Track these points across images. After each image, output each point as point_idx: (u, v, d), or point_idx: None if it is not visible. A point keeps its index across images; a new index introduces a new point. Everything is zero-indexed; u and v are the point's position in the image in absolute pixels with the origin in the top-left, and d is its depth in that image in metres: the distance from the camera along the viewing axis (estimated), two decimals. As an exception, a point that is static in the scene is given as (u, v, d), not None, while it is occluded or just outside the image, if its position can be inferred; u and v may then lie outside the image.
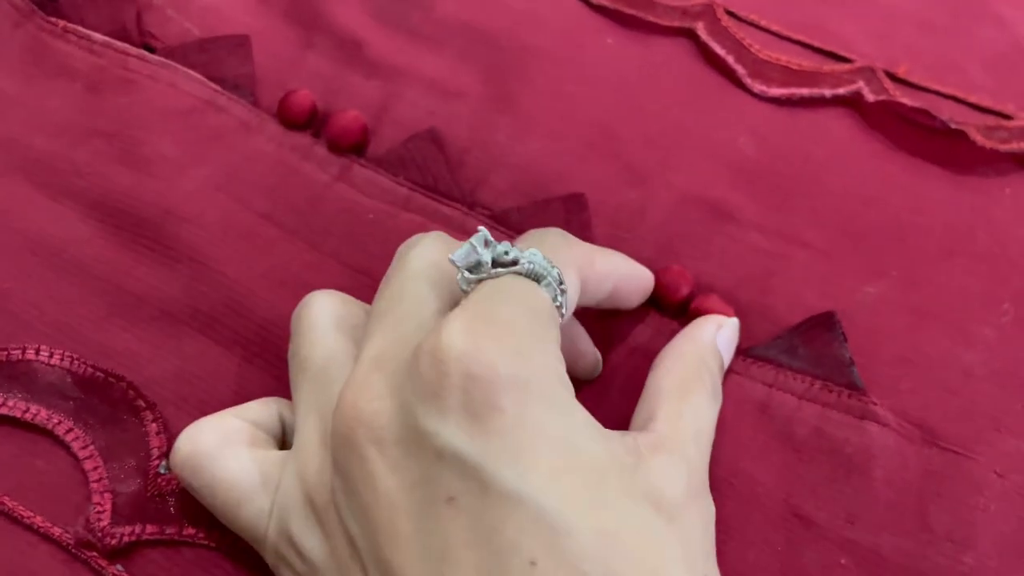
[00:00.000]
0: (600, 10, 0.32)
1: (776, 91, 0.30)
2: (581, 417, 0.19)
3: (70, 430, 0.24)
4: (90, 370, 0.25)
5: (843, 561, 0.22)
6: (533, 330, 0.19)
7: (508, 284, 0.20)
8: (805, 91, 0.30)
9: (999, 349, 0.26)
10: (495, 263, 0.20)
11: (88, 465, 0.23)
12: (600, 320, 0.26)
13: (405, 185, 0.28)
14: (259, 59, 0.31)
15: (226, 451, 0.21)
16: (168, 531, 0.22)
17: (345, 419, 0.19)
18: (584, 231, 0.28)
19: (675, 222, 0.28)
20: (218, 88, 0.30)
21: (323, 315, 0.22)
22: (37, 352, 0.25)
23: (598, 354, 0.25)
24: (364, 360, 0.20)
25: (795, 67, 0.31)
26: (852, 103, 0.30)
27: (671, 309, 0.26)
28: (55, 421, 0.24)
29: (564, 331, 0.21)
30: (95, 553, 0.22)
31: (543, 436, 0.18)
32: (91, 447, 0.23)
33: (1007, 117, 0.30)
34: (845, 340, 0.25)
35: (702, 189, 0.29)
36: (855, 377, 0.25)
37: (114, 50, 0.30)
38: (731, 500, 0.23)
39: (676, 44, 0.32)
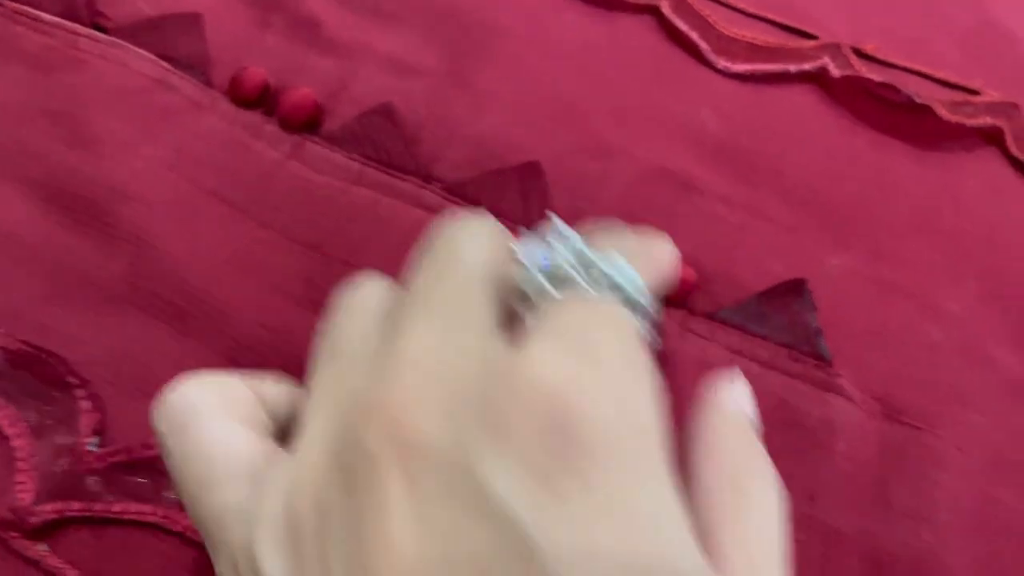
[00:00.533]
0: (564, -12, 0.32)
1: (741, 67, 0.30)
2: (670, 497, 0.15)
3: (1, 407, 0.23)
4: (22, 347, 0.24)
5: (802, 537, 0.22)
6: (638, 375, 0.15)
7: (606, 311, 0.16)
8: (770, 67, 0.30)
9: (964, 324, 0.25)
10: (587, 272, 0.16)
11: (16, 443, 0.22)
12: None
13: (358, 160, 0.27)
14: (214, 38, 0.30)
15: (223, 422, 0.17)
16: (96, 507, 0.21)
17: (374, 427, 0.14)
18: (541, 200, 0.27)
19: (638, 193, 0.27)
20: (169, 67, 0.29)
21: (370, 300, 0.18)
22: (-31, 330, 0.24)
23: None
24: (405, 355, 0.15)
25: (760, 43, 0.30)
26: (817, 79, 0.30)
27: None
28: (-16, 399, 0.23)
29: None
30: (17, 533, 0.21)
31: (624, 517, 0.14)
32: (22, 423, 0.22)
33: (975, 92, 0.30)
34: (815, 309, 0.25)
35: (666, 162, 0.28)
36: (823, 348, 0.24)
37: (64, 30, 0.29)
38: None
39: (641, 21, 0.31)
